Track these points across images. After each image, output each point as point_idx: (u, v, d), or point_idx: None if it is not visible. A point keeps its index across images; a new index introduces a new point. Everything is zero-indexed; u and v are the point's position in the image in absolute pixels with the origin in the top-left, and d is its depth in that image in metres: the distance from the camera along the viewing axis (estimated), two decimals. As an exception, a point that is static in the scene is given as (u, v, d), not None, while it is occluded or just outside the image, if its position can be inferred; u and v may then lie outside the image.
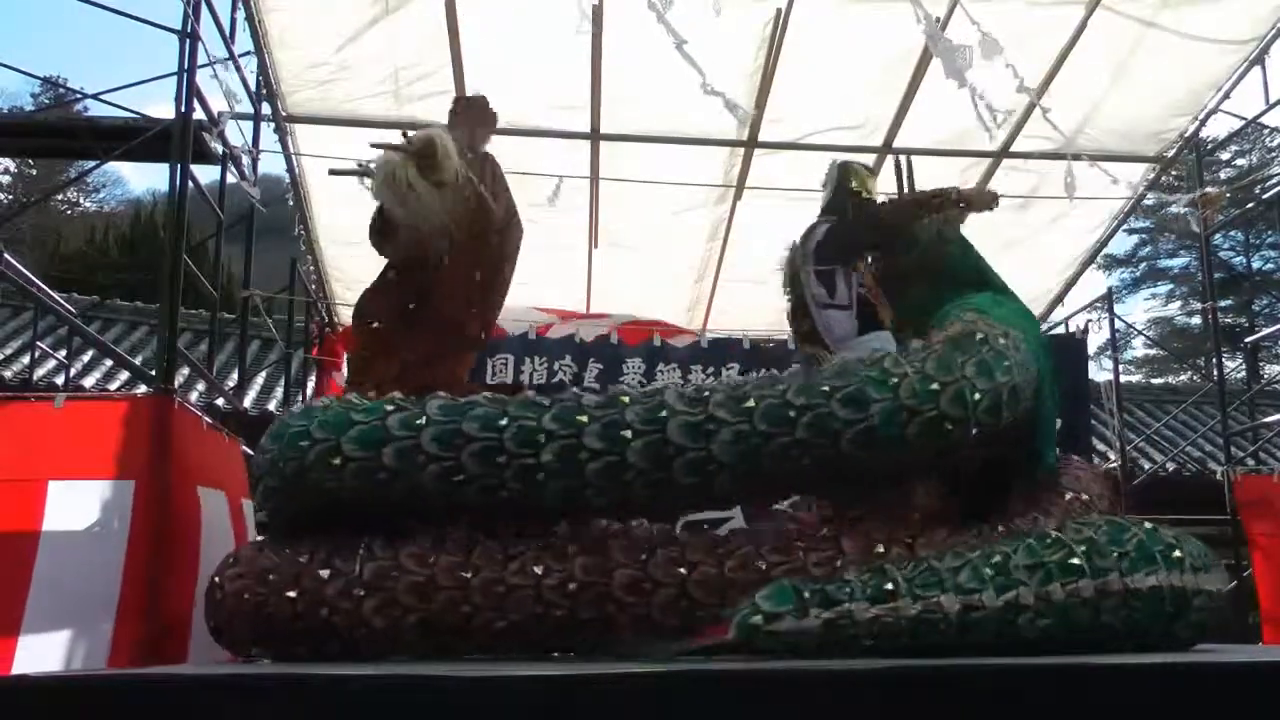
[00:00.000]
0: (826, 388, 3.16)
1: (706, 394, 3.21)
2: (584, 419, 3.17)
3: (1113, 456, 9.70)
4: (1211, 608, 3.15)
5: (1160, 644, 2.99)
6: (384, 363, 4.26)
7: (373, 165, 4.36)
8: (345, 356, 8.27)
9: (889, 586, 2.85)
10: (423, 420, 3.26)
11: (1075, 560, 2.92)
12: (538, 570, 3.21)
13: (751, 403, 3.14)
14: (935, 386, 3.16)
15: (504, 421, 3.22)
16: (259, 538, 5.46)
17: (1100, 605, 2.91)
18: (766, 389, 3.21)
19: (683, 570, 3.17)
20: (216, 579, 3.36)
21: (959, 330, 3.45)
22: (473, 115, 4.92)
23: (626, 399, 3.25)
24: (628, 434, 3.13)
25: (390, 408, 3.34)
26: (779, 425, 3.10)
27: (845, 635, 2.78)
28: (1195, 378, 18.47)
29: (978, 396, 3.18)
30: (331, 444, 3.26)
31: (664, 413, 3.15)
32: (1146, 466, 11.36)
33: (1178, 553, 3.05)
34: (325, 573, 3.24)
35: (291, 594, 3.21)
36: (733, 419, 3.11)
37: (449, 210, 4.27)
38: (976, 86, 5.12)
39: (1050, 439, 3.91)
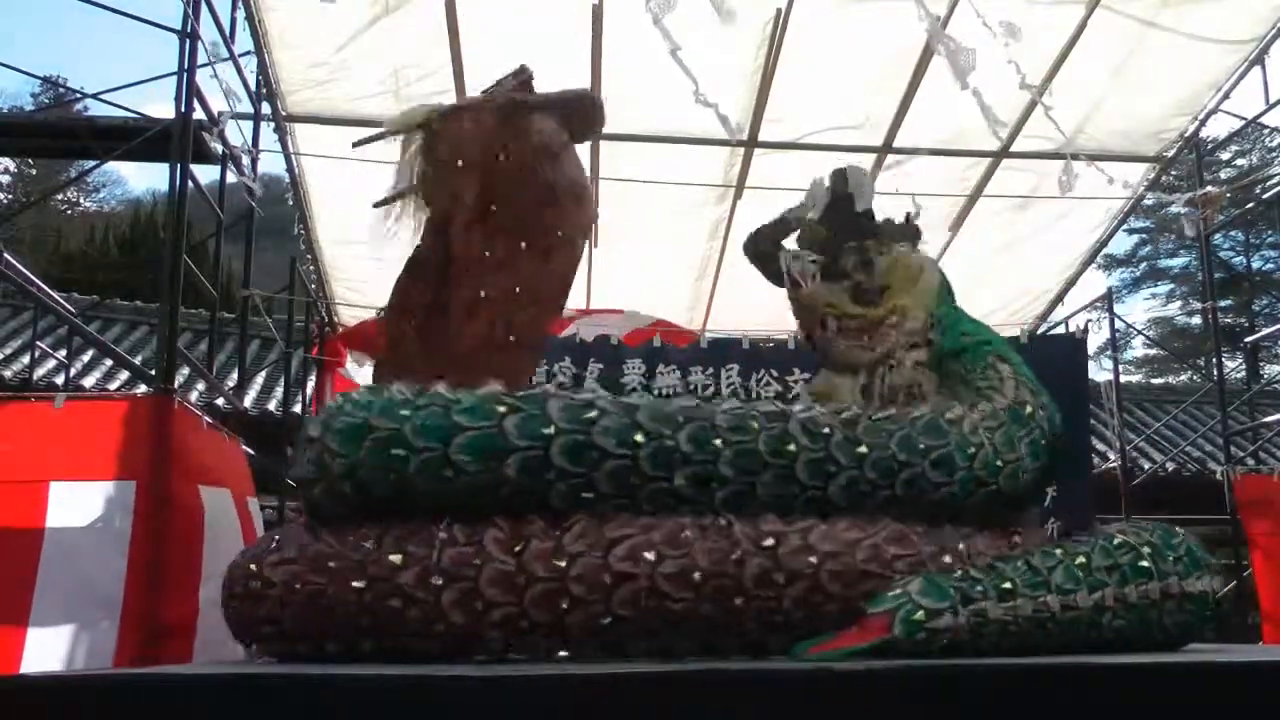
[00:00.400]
0: (923, 446, 3.19)
1: (826, 430, 3.13)
2: (718, 443, 3.00)
3: (1113, 456, 9.71)
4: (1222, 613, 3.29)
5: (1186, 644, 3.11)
6: (417, 357, 3.80)
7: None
8: (349, 354, 8.28)
9: (1007, 585, 2.86)
10: (550, 429, 2.89)
11: (1144, 563, 3.00)
12: (650, 557, 2.85)
13: (864, 449, 3.13)
14: (1000, 464, 3.26)
15: (639, 437, 2.94)
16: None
17: (1164, 607, 2.99)
18: (875, 437, 3.18)
19: (814, 560, 2.93)
20: (254, 566, 2.89)
21: (1011, 399, 3.54)
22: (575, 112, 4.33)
23: (756, 424, 3.09)
24: (759, 463, 3.04)
25: (503, 408, 2.93)
26: (886, 478, 3.13)
27: (980, 634, 2.78)
28: (1195, 378, 18.48)
29: (1027, 477, 3.33)
30: (439, 454, 2.87)
31: (791, 446, 3.06)
32: (1146, 466, 11.37)
33: (1210, 559, 3.16)
34: (397, 558, 2.81)
35: (358, 583, 2.80)
36: (848, 463, 3.10)
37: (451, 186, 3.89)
38: (979, 88, 5.11)
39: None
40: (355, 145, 4.44)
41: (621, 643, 2.83)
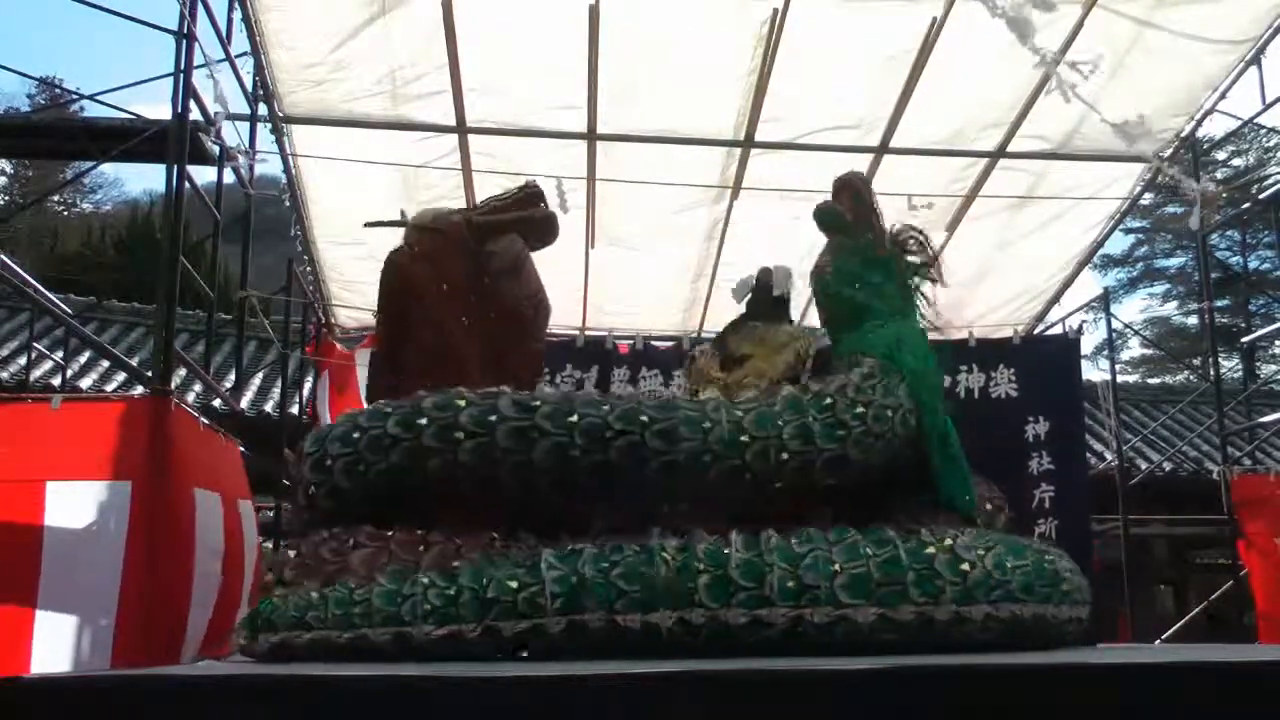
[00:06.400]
0: (645, 418, 3.55)
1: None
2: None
3: (1110, 456, 9.72)
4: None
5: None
6: None
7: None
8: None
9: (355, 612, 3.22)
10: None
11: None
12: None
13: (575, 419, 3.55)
14: (745, 439, 3.56)
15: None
16: (261, 541, 5.52)
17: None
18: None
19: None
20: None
21: (833, 385, 3.86)
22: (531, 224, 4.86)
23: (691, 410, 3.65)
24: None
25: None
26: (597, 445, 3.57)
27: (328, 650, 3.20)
28: (1192, 377, 18.50)
29: (785, 457, 3.58)
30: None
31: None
32: (1143, 466, 11.39)
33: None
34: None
35: None
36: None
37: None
38: (985, 77, 5.08)
39: (947, 456, 4.04)
40: (366, 225, 5.09)
41: None
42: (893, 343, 4.04)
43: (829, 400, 3.72)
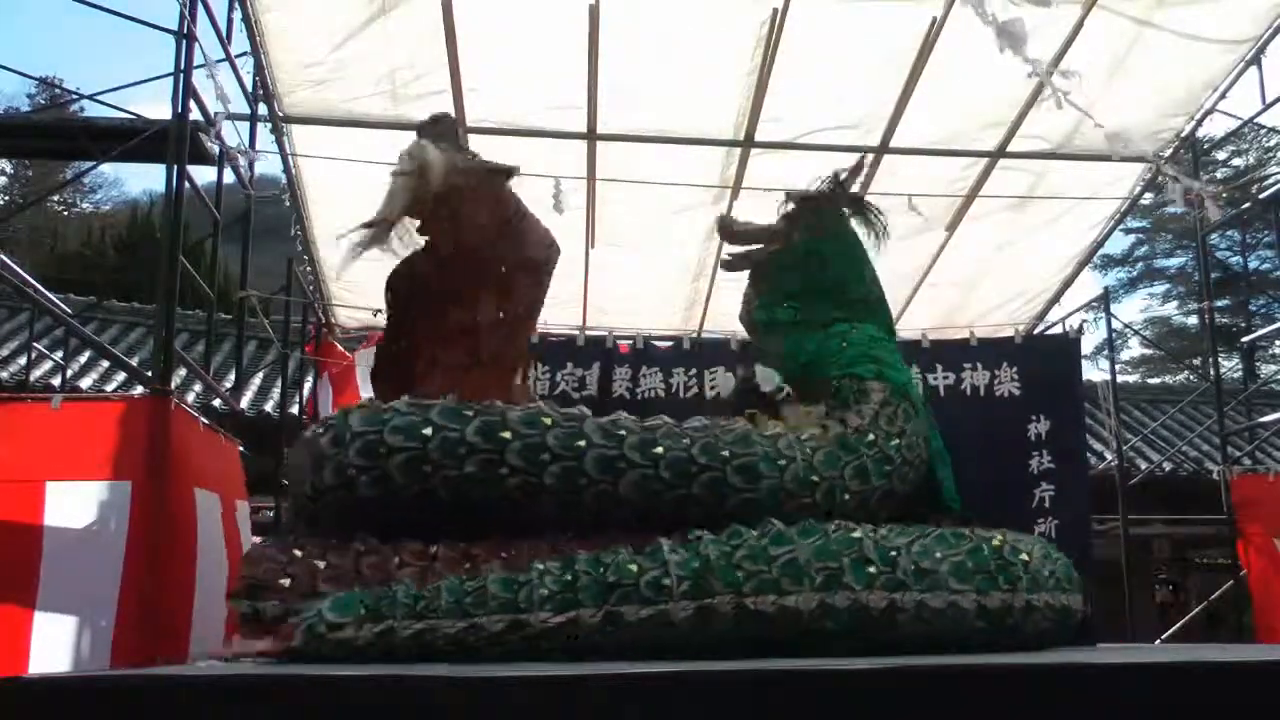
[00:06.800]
0: (726, 453, 3.58)
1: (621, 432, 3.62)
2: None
3: (1110, 456, 9.72)
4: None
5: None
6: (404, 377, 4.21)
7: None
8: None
9: (421, 605, 3.06)
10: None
11: (667, 581, 3.13)
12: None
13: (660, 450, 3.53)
14: (815, 479, 3.64)
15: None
16: (256, 540, 5.49)
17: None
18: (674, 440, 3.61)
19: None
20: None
21: (854, 427, 3.89)
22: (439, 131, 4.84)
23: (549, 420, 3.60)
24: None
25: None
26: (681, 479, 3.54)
27: (390, 647, 2.98)
28: (1192, 377, 18.50)
29: (846, 498, 3.68)
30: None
31: (582, 443, 3.54)
32: (1143, 466, 11.39)
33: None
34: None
35: None
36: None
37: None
38: (979, 85, 5.09)
39: (944, 464, 4.22)
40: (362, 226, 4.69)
41: None
42: (870, 360, 4.10)
43: (871, 437, 3.84)
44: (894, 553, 3.27)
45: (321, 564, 3.28)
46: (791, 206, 4.50)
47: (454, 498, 3.40)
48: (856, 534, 3.31)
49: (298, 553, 3.34)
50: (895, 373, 4.13)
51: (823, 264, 4.36)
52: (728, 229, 4.61)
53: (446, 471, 3.38)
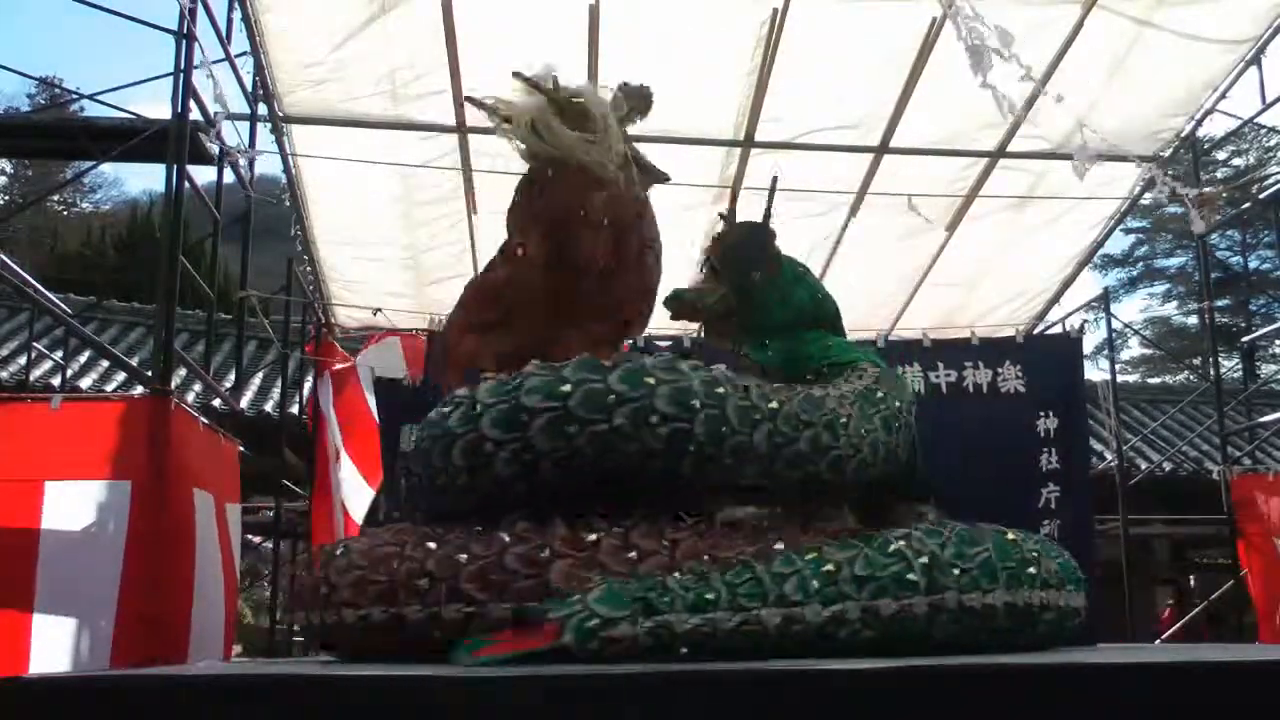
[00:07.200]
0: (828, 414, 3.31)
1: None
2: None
3: (1110, 456, 9.72)
4: (1063, 624, 3.22)
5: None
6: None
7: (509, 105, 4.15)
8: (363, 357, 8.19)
9: (709, 596, 2.78)
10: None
11: (912, 576, 2.92)
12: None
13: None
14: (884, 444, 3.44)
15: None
16: (260, 542, 5.45)
17: (933, 620, 2.91)
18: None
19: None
20: None
21: (868, 383, 3.67)
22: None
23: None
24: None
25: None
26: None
27: (665, 645, 2.69)
28: (1192, 377, 18.51)
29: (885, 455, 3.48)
30: None
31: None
32: (1143, 466, 11.39)
33: (1031, 569, 3.10)
34: None
35: None
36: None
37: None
38: (994, 81, 5.11)
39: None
40: (467, 100, 4.49)
41: None
42: (854, 351, 4.06)
43: (881, 393, 3.61)
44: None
45: (464, 556, 2.86)
46: (715, 256, 4.43)
47: (602, 457, 3.05)
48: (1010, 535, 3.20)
49: (433, 545, 2.91)
50: (882, 362, 4.07)
51: (764, 300, 4.28)
52: (681, 307, 4.49)
53: (594, 427, 3.01)
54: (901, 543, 2.96)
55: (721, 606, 2.74)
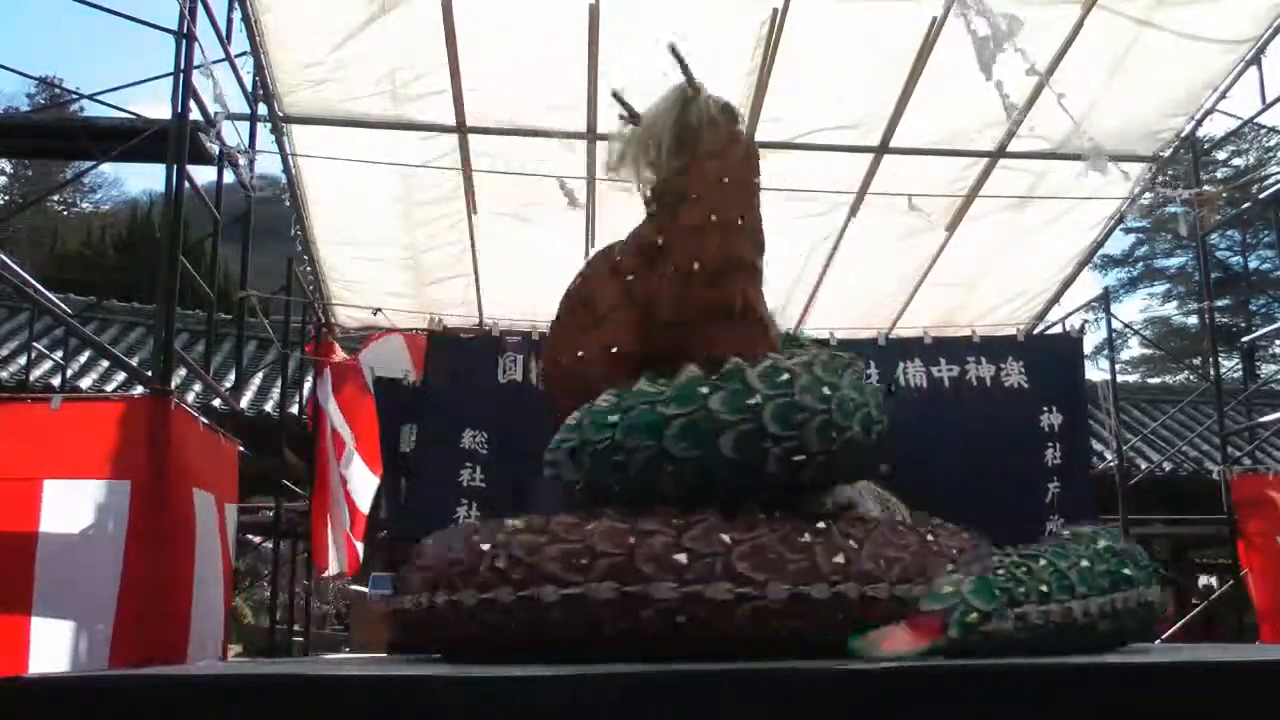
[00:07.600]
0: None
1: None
2: None
3: (1110, 456, 9.71)
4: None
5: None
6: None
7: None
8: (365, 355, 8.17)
9: (1043, 588, 2.87)
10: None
11: (1127, 570, 3.09)
12: None
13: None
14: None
15: None
16: (261, 542, 5.44)
17: (1134, 613, 3.09)
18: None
19: None
20: None
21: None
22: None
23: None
24: None
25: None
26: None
27: (1021, 637, 2.76)
28: (1192, 377, 18.51)
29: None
30: None
31: None
32: (1143, 466, 11.39)
33: (1158, 569, 3.34)
34: None
35: None
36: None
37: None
38: (984, 77, 5.10)
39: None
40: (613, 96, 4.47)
41: None
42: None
43: (844, 360, 3.53)
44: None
45: (727, 538, 2.84)
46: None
47: (841, 458, 3.21)
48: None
49: (621, 525, 2.87)
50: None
51: None
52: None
53: (849, 433, 3.15)
54: (1106, 540, 3.18)
55: (1054, 598, 2.85)
